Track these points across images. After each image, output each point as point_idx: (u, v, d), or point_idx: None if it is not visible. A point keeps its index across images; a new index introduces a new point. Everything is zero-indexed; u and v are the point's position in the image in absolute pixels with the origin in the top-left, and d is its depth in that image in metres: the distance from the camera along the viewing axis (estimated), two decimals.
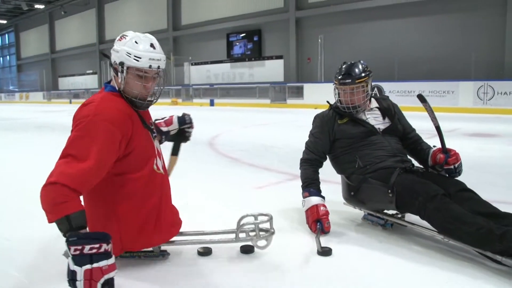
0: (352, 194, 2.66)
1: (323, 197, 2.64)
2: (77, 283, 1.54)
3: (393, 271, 2.07)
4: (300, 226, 2.68)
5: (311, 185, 2.67)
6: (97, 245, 1.56)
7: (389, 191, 2.40)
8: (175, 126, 2.41)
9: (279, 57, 21.28)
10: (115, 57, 1.93)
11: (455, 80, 13.66)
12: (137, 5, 28.07)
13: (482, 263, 2.08)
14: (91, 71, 32.65)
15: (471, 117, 11.26)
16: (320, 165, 2.82)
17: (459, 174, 2.56)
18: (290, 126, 10.10)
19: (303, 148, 2.87)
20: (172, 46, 25.61)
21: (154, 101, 2.05)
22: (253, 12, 21.79)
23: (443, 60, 15.28)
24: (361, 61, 2.76)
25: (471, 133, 7.66)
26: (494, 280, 1.92)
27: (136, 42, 1.90)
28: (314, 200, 2.57)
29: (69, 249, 1.56)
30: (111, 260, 1.60)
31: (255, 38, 22.23)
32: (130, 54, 1.88)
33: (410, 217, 2.58)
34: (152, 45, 1.93)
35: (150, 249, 2.13)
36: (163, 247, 2.18)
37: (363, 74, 2.69)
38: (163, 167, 2.13)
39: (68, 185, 1.64)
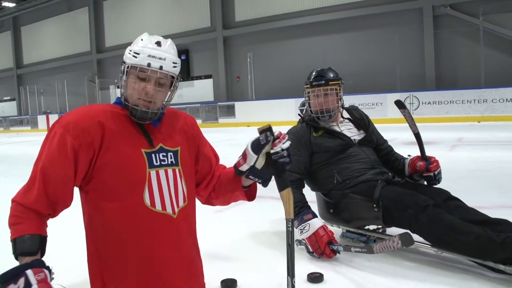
0: (332, 212, 2.51)
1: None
2: None
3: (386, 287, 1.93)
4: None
5: (304, 208, 2.41)
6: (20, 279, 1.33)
7: (374, 205, 2.27)
8: (252, 156, 1.61)
9: (208, 76, 21.12)
10: (124, 58, 1.59)
11: (383, 92, 14.23)
12: (57, 27, 26.64)
13: (482, 274, 1.99)
14: (8, 98, 30.57)
15: (401, 127, 11.65)
16: (303, 186, 2.60)
17: (439, 182, 2.50)
18: (224, 145, 9.87)
19: None
20: (96, 69, 24.67)
21: (158, 112, 1.60)
22: (180, 32, 21.49)
23: (371, 74, 15.89)
24: (331, 68, 2.64)
25: (409, 142, 7.86)
26: None
27: (142, 39, 1.59)
28: (317, 222, 2.33)
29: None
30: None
31: (183, 58, 21.95)
32: (131, 50, 1.56)
33: (392, 229, 2.48)
34: (158, 43, 1.58)
35: None
36: None
37: (336, 77, 2.57)
38: (184, 204, 1.64)
39: (20, 202, 1.44)
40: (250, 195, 1.76)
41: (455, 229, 2.00)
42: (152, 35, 1.60)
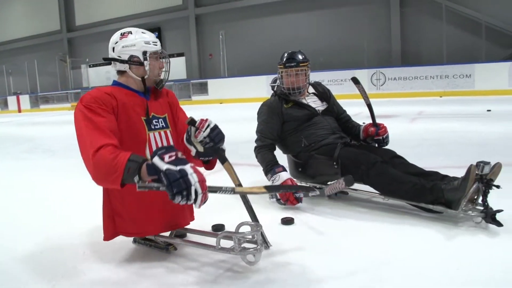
0: (300, 170, 3.00)
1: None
2: (190, 178, 1.57)
3: (349, 229, 2.43)
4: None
5: (275, 165, 2.89)
6: (173, 153, 1.65)
7: (334, 163, 2.77)
8: (190, 148, 2.09)
9: (180, 54, 21.20)
10: (132, 51, 2.08)
11: (351, 69, 14.74)
12: (23, 6, 25.96)
13: (417, 214, 2.52)
14: None
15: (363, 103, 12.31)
16: (275, 149, 3.07)
17: (387, 144, 3.02)
18: None
19: None
20: (67, 48, 24.39)
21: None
22: (151, 10, 21.47)
23: (339, 51, 16.42)
24: (301, 50, 3.09)
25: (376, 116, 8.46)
26: (429, 224, 2.35)
27: (143, 32, 2.14)
28: (285, 174, 2.82)
29: (163, 158, 1.62)
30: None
31: (156, 35, 21.94)
32: (148, 42, 2.10)
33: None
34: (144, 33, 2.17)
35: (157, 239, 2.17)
36: (171, 241, 2.18)
37: (305, 59, 3.04)
38: None
39: (103, 144, 1.77)
40: (208, 165, 2.24)
41: (397, 179, 2.52)
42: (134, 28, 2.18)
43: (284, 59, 3.06)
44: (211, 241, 2.05)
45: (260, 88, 16.68)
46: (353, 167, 2.69)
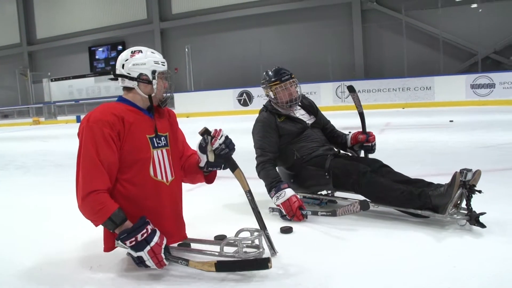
0: (292, 181, 3.14)
1: None
2: (147, 262, 1.91)
3: (343, 234, 2.58)
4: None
5: (280, 182, 2.94)
6: (144, 230, 1.90)
7: (326, 174, 2.94)
8: (202, 156, 2.26)
9: None
10: (142, 69, 2.18)
11: (316, 82, 15.17)
12: None
13: (406, 219, 2.71)
14: None
15: (333, 114, 12.67)
16: (276, 164, 3.16)
17: (374, 151, 3.22)
18: None
19: None
20: (27, 61, 23.85)
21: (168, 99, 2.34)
22: (116, 24, 21.41)
23: (304, 65, 16.75)
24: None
25: (342, 127, 8.75)
26: (418, 228, 2.54)
27: (152, 52, 2.25)
28: (290, 191, 2.87)
29: (125, 243, 1.90)
30: (158, 233, 1.95)
31: (119, 49, 21.82)
32: (157, 62, 2.21)
33: (337, 193, 3.15)
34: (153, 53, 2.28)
35: None
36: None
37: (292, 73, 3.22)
38: (172, 178, 2.25)
39: (96, 189, 1.92)
40: (208, 179, 2.43)
41: (386, 187, 2.70)
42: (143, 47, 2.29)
43: (278, 75, 3.20)
44: (215, 249, 2.20)
45: (226, 102, 16.90)
46: (344, 177, 2.86)
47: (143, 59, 2.20)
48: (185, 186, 2.47)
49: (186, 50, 19.02)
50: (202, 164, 2.26)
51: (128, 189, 2.12)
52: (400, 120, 9.95)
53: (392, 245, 2.38)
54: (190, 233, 2.43)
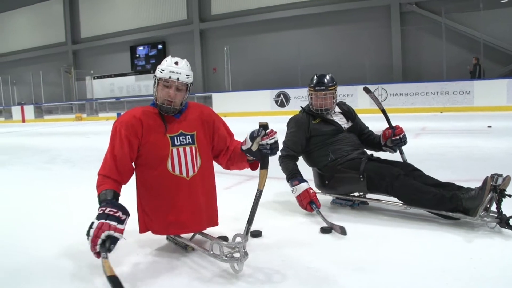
0: (327, 183, 3.29)
1: (308, 182, 3.19)
2: (91, 230, 1.99)
3: (373, 235, 2.72)
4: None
5: (296, 175, 3.19)
6: (114, 210, 2.07)
7: (361, 176, 3.08)
8: (248, 143, 2.43)
9: None
10: (157, 74, 2.44)
11: (353, 84, 15.13)
12: (29, 17, 26.42)
13: (436, 221, 2.83)
14: None
15: (370, 117, 12.59)
16: (297, 160, 3.35)
17: (405, 143, 3.37)
18: None
19: None
20: (72, 60, 24.77)
21: (179, 108, 2.48)
22: (157, 24, 21.95)
23: (342, 67, 16.75)
24: (329, 73, 3.41)
25: (377, 130, 8.80)
26: (448, 230, 2.66)
27: (166, 60, 2.44)
28: (304, 185, 3.10)
29: (103, 211, 2.08)
30: (121, 226, 2.04)
31: (160, 48, 22.40)
32: (163, 69, 2.40)
33: (369, 195, 3.29)
34: (176, 63, 2.42)
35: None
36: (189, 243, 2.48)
37: (333, 84, 3.35)
38: (193, 173, 2.43)
39: (101, 173, 2.30)
40: (253, 166, 2.60)
41: (419, 190, 2.82)
42: (173, 57, 2.47)
43: (314, 82, 3.37)
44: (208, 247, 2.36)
45: (263, 102, 17.05)
46: (378, 180, 2.99)
47: (162, 65, 2.43)
48: (223, 185, 2.63)
49: (225, 50, 19.35)
50: (244, 147, 2.46)
51: (146, 179, 2.43)
52: (437, 125, 9.88)
53: (422, 245, 2.49)
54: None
